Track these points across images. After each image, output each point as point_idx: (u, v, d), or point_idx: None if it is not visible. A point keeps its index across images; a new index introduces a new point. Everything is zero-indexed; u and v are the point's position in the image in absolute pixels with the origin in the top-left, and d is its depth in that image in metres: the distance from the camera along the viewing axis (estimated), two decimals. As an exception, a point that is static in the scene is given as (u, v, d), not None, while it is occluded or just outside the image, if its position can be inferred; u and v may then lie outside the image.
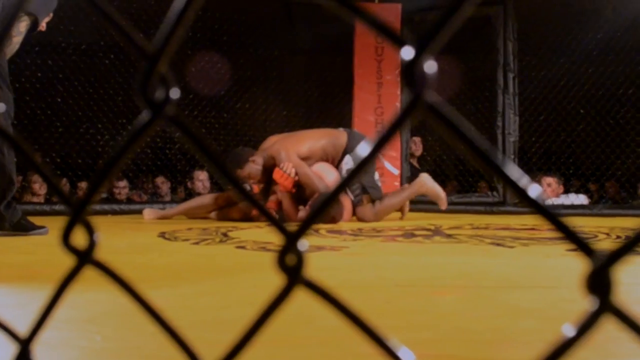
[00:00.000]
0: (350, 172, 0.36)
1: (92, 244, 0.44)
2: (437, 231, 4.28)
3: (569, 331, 0.32)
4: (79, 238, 0.45)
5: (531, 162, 7.36)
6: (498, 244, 3.42)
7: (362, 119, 6.78)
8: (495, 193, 6.83)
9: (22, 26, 3.67)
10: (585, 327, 0.31)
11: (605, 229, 4.35)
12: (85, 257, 0.44)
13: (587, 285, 0.31)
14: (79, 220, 0.43)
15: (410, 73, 0.32)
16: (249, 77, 7.69)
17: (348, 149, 5.27)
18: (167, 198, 7.39)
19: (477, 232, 4.19)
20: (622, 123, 7.09)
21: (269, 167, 5.23)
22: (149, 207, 5.80)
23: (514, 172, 0.31)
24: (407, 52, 0.32)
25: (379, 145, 0.33)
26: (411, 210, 5.62)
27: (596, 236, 3.91)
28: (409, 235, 4.10)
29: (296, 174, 5.09)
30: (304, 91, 7.96)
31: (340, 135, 5.40)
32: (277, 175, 5.14)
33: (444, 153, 7.60)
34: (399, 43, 0.32)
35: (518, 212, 6.27)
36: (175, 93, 0.39)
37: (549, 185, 6.68)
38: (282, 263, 0.38)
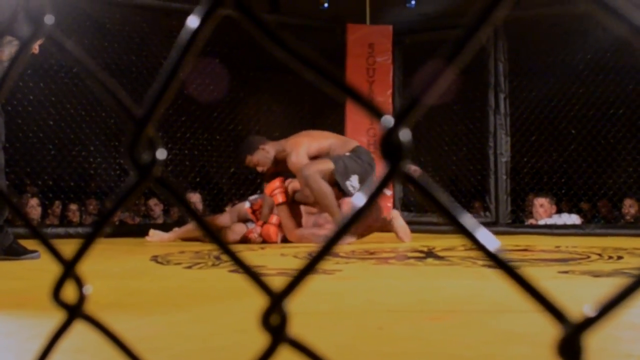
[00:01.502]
0: (343, 225, 0.37)
1: (82, 298, 0.45)
2: (429, 253, 4.29)
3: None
4: (69, 290, 0.46)
5: (523, 182, 7.38)
6: (490, 266, 3.42)
7: (355, 140, 6.80)
8: (487, 213, 6.84)
9: (12, 50, 3.69)
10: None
11: (597, 249, 4.36)
12: (75, 312, 0.45)
13: (557, 350, 0.32)
14: (69, 276, 0.44)
15: (387, 143, 0.33)
16: (242, 97, 7.71)
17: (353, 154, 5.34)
18: (160, 220, 7.39)
19: (470, 254, 4.19)
20: (613, 142, 7.13)
21: (281, 159, 5.36)
22: (152, 230, 5.83)
23: (485, 235, 0.32)
24: (387, 122, 0.33)
25: (367, 205, 0.34)
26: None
27: (589, 257, 3.92)
28: (402, 257, 4.10)
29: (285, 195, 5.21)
30: (296, 112, 7.99)
31: (350, 141, 5.51)
32: (268, 190, 5.26)
33: (436, 174, 7.62)
34: (379, 115, 0.33)
35: (510, 233, 6.29)
36: (161, 154, 0.40)
37: (541, 205, 6.71)
38: (266, 322, 0.39)
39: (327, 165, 5.17)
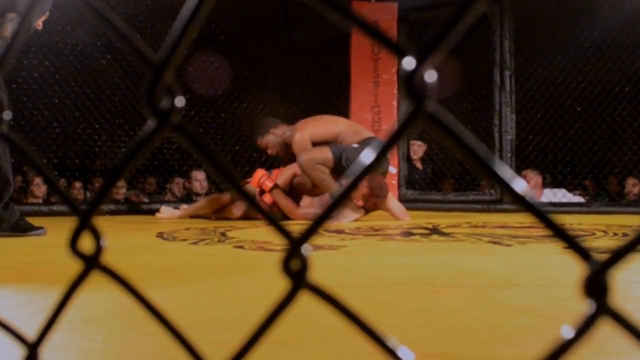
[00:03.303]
0: (354, 179, 0.36)
1: (99, 249, 0.45)
2: (434, 230, 4.29)
3: (568, 332, 0.32)
4: (85, 242, 0.46)
5: (528, 159, 7.37)
6: (495, 242, 3.43)
7: (360, 117, 6.77)
8: (492, 191, 6.84)
9: (14, 26, 3.69)
10: (583, 329, 0.32)
11: (602, 227, 4.36)
12: (92, 262, 0.45)
13: (584, 288, 0.32)
14: (86, 227, 0.44)
15: (410, 83, 0.32)
16: (246, 76, 7.68)
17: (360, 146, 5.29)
18: (170, 197, 7.40)
19: (475, 231, 4.20)
20: (618, 120, 7.10)
21: (289, 142, 5.39)
22: (163, 206, 5.86)
23: (511, 176, 0.32)
24: (408, 62, 0.33)
25: (382, 153, 0.34)
26: (409, 209, 5.62)
27: (594, 234, 3.93)
28: (407, 234, 4.11)
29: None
30: (301, 90, 7.96)
31: (363, 132, 5.44)
32: (254, 183, 5.27)
33: (441, 152, 7.61)
34: (400, 53, 0.33)
35: (515, 210, 6.27)
36: (180, 101, 0.40)
37: (524, 176, 6.73)
38: (286, 268, 0.38)
39: (324, 154, 5.15)
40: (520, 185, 0.32)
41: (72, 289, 0.46)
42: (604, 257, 0.32)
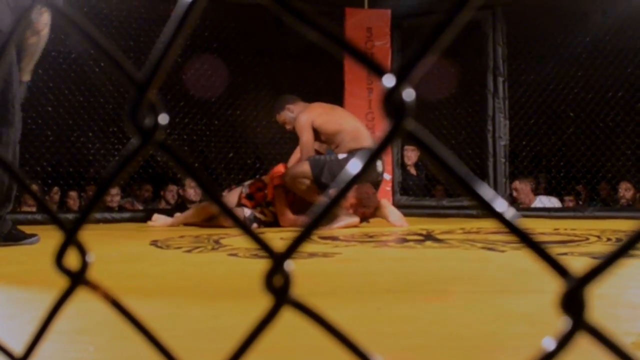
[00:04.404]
0: (339, 191, 0.37)
1: (84, 265, 0.45)
2: (428, 236, 4.30)
3: (549, 345, 0.33)
4: (72, 257, 0.46)
5: (522, 165, 7.39)
6: (489, 249, 3.43)
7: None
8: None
9: (45, 18, 3.75)
10: (561, 345, 0.32)
11: (596, 232, 4.37)
12: (78, 278, 0.45)
13: (561, 304, 0.32)
14: (71, 242, 0.44)
15: (389, 102, 0.33)
16: (240, 83, 7.69)
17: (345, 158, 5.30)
18: (164, 205, 7.39)
19: (469, 237, 4.20)
20: (611, 126, 7.13)
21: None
22: (156, 214, 5.86)
23: (489, 194, 0.32)
24: (388, 81, 0.33)
25: (365, 167, 0.34)
26: (403, 215, 5.62)
27: (587, 239, 3.93)
28: (401, 240, 4.11)
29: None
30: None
31: (361, 139, 5.42)
32: (271, 173, 5.39)
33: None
34: (379, 72, 0.33)
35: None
36: (163, 119, 0.40)
37: (515, 189, 6.76)
38: (269, 284, 0.39)
39: (303, 167, 5.24)
40: (500, 205, 0.32)
41: (58, 306, 0.47)
42: (581, 272, 0.32)
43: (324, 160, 5.24)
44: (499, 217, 0.33)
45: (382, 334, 1.53)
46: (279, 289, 0.39)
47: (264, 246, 0.39)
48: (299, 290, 0.42)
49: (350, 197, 5.02)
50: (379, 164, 5.25)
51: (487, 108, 6.89)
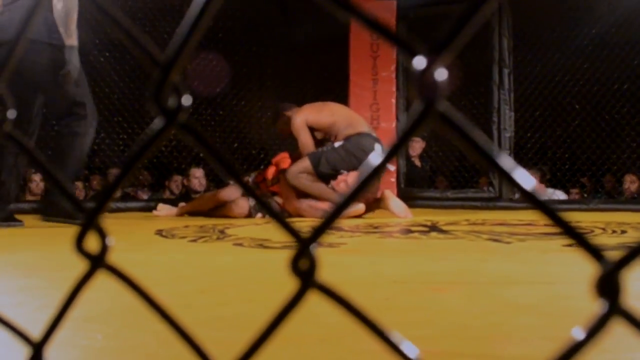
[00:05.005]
0: (362, 180, 0.36)
1: (104, 248, 0.45)
2: (433, 227, 4.29)
3: (579, 334, 0.32)
4: (88, 241, 0.46)
5: (527, 157, 7.38)
6: (495, 240, 3.43)
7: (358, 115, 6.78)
8: (490, 188, 6.84)
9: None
10: (595, 329, 0.31)
11: (601, 224, 4.37)
12: (98, 261, 0.45)
13: (596, 288, 0.32)
14: (92, 226, 0.44)
15: (421, 82, 0.32)
16: (245, 74, 7.68)
17: (342, 145, 5.32)
18: (169, 195, 7.40)
19: (474, 228, 4.20)
20: (617, 118, 7.11)
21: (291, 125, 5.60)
22: (160, 204, 5.90)
23: (524, 177, 0.31)
24: (419, 61, 0.32)
25: (391, 153, 0.34)
26: (408, 206, 5.61)
27: (592, 231, 3.93)
28: (406, 231, 4.11)
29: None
30: (300, 88, 7.96)
31: (355, 125, 5.46)
32: (276, 158, 5.44)
33: (440, 150, 7.62)
34: (411, 52, 0.33)
35: (513, 208, 6.29)
36: (187, 100, 0.40)
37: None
38: (295, 267, 0.38)
39: (303, 163, 5.31)
40: (532, 184, 0.32)
41: (78, 288, 0.46)
42: (616, 256, 0.32)
43: (321, 152, 5.33)
44: (536, 202, 0.32)
45: (390, 324, 1.52)
46: (305, 272, 0.38)
47: (290, 230, 0.39)
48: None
49: (351, 186, 5.06)
50: (377, 146, 5.28)
51: (492, 100, 6.88)
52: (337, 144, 5.32)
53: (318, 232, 0.38)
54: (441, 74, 0.32)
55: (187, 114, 0.39)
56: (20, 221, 4.21)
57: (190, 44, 0.38)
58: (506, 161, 0.32)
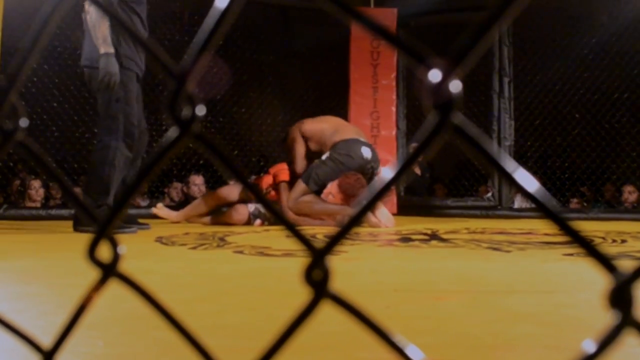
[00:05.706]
0: (376, 193, 0.37)
1: (116, 257, 0.45)
2: (433, 235, 4.29)
3: (590, 346, 0.33)
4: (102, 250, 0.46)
5: (527, 166, 7.38)
6: (495, 249, 3.43)
7: (358, 123, 6.78)
8: (491, 197, 6.84)
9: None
10: (607, 341, 0.32)
11: (601, 233, 4.37)
12: (110, 270, 0.45)
13: (608, 300, 0.32)
14: (104, 236, 0.44)
15: (436, 94, 0.32)
16: (245, 81, 7.69)
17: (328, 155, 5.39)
18: (168, 202, 7.39)
19: (474, 237, 4.20)
20: (617, 127, 7.12)
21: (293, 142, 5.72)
22: (160, 204, 5.93)
23: (540, 190, 0.32)
24: (434, 74, 0.33)
25: (406, 165, 0.34)
26: (407, 214, 5.63)
27: (592, 240, 3.92)
28: (406, 239, 4.11)
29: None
30: (300, 95, 7.97)
31: (341, 132, 5.51)
32: (273, 169, 5.49)
33: (439, 157, 7.62)
34: (427, 65, 0.33)
35: (513, 216, 6.30)
36: (201, 110, 0.40)
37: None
38: (309, 277, 0.39)
39: (298, 187, 5.38)
40: (548, 197, 0.32)
41: (90, 296, 0.47)
42: (629, 268, 0.32)
43: (310, 169, 5.43)
44: (551, 215, 0.32)
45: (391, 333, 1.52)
46: (319, 282, 0.38)
47: (303, 241, 0.39)
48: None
49: (336, 195, 5.15)
50: (366, 150, 5.34)
51: (492, 108, 6.89)
52: (324, 157, 5.42)
53: (332, 242, 0.38)
54: (456, 86, 0.33)
55: (200, 124, 0.40)
56: (146, 224, 4.49)
57: (206, 55, 0.39)
58: (521, 174, 0.32)
